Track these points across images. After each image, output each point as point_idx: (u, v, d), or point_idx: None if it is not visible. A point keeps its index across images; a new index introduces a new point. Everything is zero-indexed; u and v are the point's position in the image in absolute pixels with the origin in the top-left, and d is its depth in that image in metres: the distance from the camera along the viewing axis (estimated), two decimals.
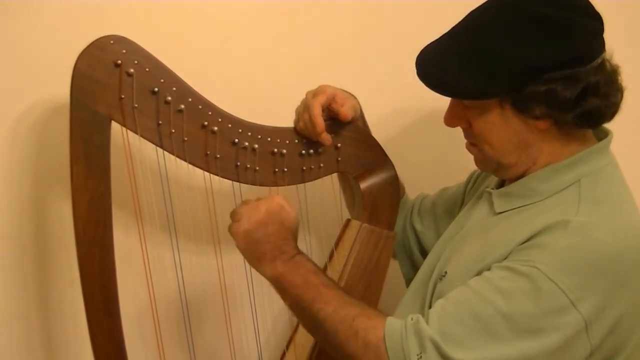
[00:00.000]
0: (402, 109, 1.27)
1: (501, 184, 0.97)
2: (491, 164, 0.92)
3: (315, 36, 1.22)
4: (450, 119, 0.93)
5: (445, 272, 0.91)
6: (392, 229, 1.09)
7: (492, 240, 0.88)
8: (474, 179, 1.11)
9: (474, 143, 0.92)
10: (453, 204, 1.11)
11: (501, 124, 0.87)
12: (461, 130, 0.94)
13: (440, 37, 0.90)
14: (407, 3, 1.26)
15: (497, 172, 0.95)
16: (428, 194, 1.17)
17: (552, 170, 0.88)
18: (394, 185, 1.10)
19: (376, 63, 1.25)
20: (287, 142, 0.99)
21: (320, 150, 1.01)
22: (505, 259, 0.83)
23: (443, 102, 0.93)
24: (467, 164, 0.98)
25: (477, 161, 0.95)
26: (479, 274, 0.85)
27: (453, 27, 0.89)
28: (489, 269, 0.84)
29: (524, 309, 0.79)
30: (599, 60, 0.83)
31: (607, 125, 0.90)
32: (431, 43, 0.91)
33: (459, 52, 0.85)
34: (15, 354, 1.09)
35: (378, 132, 1.10)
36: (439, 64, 0.87)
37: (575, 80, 0.81)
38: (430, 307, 0.91)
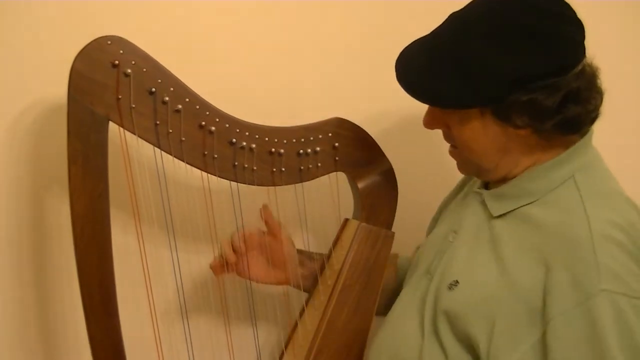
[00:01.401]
0: (398, 109, 1.27)
1: (487, 184, 0.96)
2: (472, 166, 0.92)
3: (313, 36, 1.22)
4: (429, 122, 0.92)
5: (457, 281, 0.88)
6: (390, 228, 1.10)
7: (506, 252, 0.85)
8: (441, 207, 1.11)
9: (454, 145, 0.92)
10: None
11: (481, 131, 0.86)
12: None
13: (421, 39, 0.89)
14: (410, 4, 1.26)
15: (479, 175, 0.95)
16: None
17: (544, 168, 0.87)
18: (392, 184, 1.10)
19: (375, 62, 1.24)
20: (285, 141, 0.99)
21: (317, 149, 1.02)
22: (545, 288, 0.79)
23: None
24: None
25: (459, 165, 0.95)
26: (508, 290, 0.81)
27: (434, 31, 0.88)
28: (525, 298, 0.80)
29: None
30: (580, 67, 0.82)
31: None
32: (410, 45, 0.90)
33: (440, 60, 0.85)
34: (14, 353, 1.09)
35: (376, 131, 1.10)
36: (418, 70, 0.87)
37: (557, 88, 0.81)
38: (434, 312, 0.89)
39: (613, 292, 0.76)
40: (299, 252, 1.10)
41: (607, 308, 0.76)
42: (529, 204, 0.87)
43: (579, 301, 0.77)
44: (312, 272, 1.09)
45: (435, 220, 1.12)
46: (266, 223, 1.06)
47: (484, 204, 0.93)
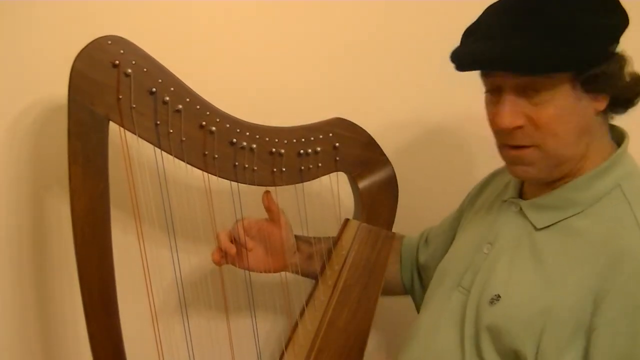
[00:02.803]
0: (399, 109, 1.27)
1: (520, 192, 0.93)
2: (544, 163, 0.86)
3: (315, 36, 1.22)
4: (511, 117, 0.84)
5: (498, 296, 0.85)
6: (390, 228, 1.10)
7: (551, 264, 0.83)
8: (469, 199, 1.09)
9: (525, 145, 0.85)
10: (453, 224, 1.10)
11: (571, 107, 0.82)
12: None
13: (490, 11, 0.85)
14: (410, 4, 1.26)
15: (539, 176, 0.88)
16: (433, 227, 1.16)
17: (588, 178, 0.85)
18: (392, 185, 1.10)
19: (376, 62, 1.25)
20: (285, 141, 0.99)
21: (318, 149, 1.02)
22: (596, 306, 0.78)
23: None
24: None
25: (519, 168, 0.88)
26: (555, 303, 0.81)
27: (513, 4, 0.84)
28: (568, 314, 0.79)
29: None
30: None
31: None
32: (480, 24, 0.86)
33: (532, 26, 0.80)
34: (14, 353, 1.09)
35: (376, 131, 1.10)
36: (509, 42, 0.80)
37: (625, 61, 0.83)
38: (476, 329, 0.87)
39: None
40: (296, 237, 1.09)
41: None
42: (574, 215, 0.85)
43: (626, 313, 0.76)
44: (309, 255, 1.09)
45: (460, 211, 1.10)
46: (268, 210, 1.05)
47: (522, 214, 0.90)
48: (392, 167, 1.09)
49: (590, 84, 0.82)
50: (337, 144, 1.03)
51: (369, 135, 1.07)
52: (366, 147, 1.07)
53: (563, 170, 0.87)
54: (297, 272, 1.09)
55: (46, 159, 1.06)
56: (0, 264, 1.07)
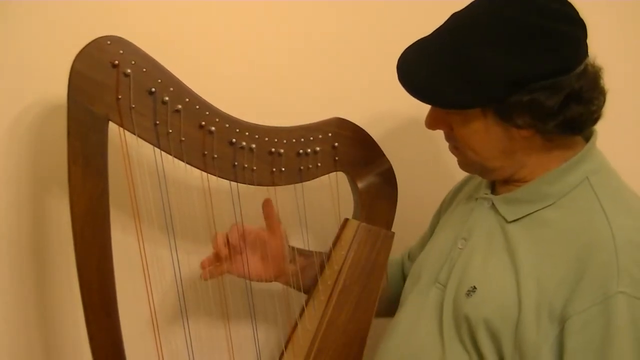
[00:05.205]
0: (398, 109, 1.27)
1: (493, 187, 0.96)
2: (475, 166, 0.92)
3: (313, 36, 1.22)
4: (432, 123, 0.92)
5: (474, 287, 0.88)
6: (390, 228, 1.10)
7: (523, 256, 0.85)
8: (446, 203, 1.11)
9: (456, 146, 0.92)
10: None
11: (483, 132, 0.86)
12: None
13: (423, 39, 0.89)
14: (404, 4, 1.26)
15: (482, 174, 0.94)
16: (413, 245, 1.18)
17: (558, 172, 0.87)
18: (392, 184, 1.10)
19: (375, 62, 1.25)
20: (285, 141, 0.99)
21: (317, 149, 1.02)
22: (566, 299, 0.79)
23: None
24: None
25: (461, 163, 0.94)
26: (528, 293, 0.82)
27: (436, 31, 0.88)
28: (546, 306, 0.80)
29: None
30: (582, 67, 0.81)
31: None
32: (413, 45, 0.89)
33: (442, 60, 0.84)
34: (14, 354, 1.09)
35: (375, 131, 1.10)
36: (421, 71, 0.86)
37: (559, 88, 0.80)
38: (456, 321, 0.88)
39: (631, 296, 0.76)
40: (291, 248, 1.09)
41: (624, 310, 0.76)
42: (544, 207, 0.87)
43: (596, 301, 0.77)
44: (302, 267, 1.09)
45: (438, 214, 1.12)
46: (267, 218, 1.05)
47: (494, 208, 0.92)
48: (392, 167, 1.10)
49: (502, 114, 0.83)
50: (336, 144, 1.03)
51: (368, 135, 1.08)
52: (365, 147, 1.07)
53: (499, 175, 0.90)
54: (290, 284, 1.09)
55: (46, 159, 1.06)
56: (0, 263, 1.07)
